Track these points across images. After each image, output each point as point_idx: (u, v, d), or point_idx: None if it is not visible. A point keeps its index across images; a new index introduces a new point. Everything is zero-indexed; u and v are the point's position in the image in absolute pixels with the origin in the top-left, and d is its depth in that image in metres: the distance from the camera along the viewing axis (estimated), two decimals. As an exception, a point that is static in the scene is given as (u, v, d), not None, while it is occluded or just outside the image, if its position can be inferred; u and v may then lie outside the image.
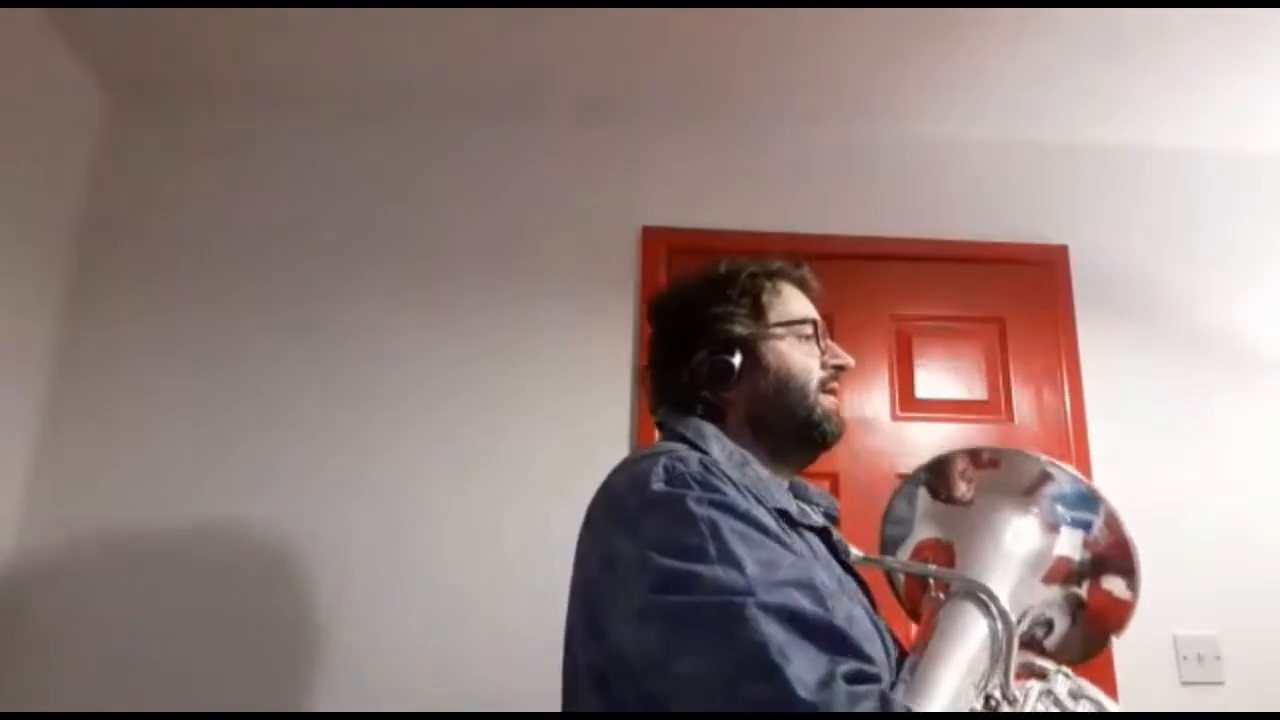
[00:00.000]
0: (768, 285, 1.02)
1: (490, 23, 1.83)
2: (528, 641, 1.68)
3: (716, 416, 0.98)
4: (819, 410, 0.98)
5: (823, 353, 1.02)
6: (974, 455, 1.00)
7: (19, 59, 1.78)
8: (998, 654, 0.77)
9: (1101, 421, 2.00)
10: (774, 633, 0.67)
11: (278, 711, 1.73)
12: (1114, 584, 0.92)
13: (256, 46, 1.93)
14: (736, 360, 0.97)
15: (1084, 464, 1.97)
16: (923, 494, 1.01)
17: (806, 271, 1.07)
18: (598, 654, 0.80)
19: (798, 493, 1.05)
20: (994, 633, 0.78)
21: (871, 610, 0.89)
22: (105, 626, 1.77)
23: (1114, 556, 0.92)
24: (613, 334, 2.00)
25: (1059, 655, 0.89)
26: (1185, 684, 1.83)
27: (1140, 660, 1.80)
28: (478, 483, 1.90)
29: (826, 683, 0.65)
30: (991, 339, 2.07)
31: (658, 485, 0.80)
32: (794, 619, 0.69)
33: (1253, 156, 2.20)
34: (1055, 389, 2.03)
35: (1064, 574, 0.91)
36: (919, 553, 0.97)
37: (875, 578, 0.98)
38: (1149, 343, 2.07)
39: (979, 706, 0.74)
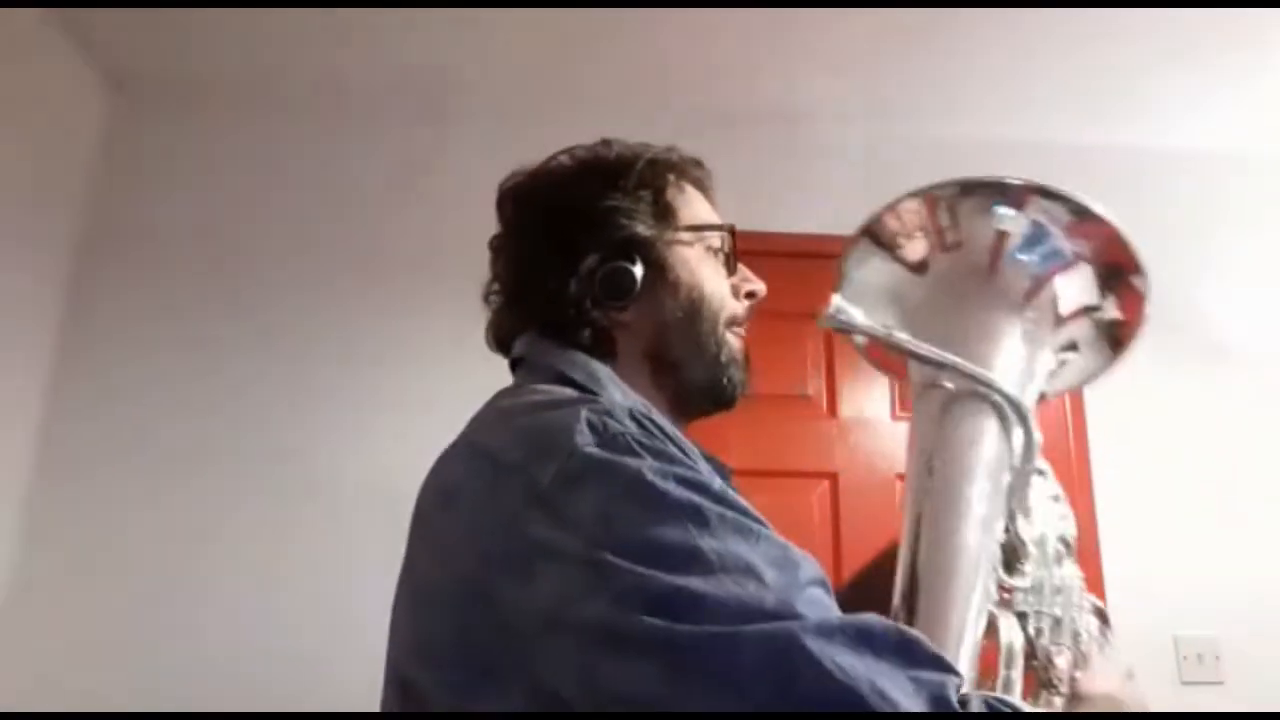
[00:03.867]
0: (672, 179, 0.79)
1: (492, 22, 1.83)
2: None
3: (602, 348, 0.73)
4: (727, 350, 0.76)
5: (731, 274, 0.79)
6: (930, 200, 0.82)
7: (21, 57, 1.78)
8: (1019, 476, 0.70)
9: (1101, 421, 2.00)
10: (854, 666, 0.47)
11: (282, 712, 1.72)
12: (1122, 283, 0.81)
13: (258, 46, 1.94)
14: (639, 271, 0.73)
15: (1083, 464, 1.97)
16: (878, 260, 0.82)
17: (707, 173, 0.84)
18: (491, 695, 0.54)
19: None
20: (1011, 448, 0.69)
21: None
22: (104, 623, 1.77)
23: (1109, 252, 0.80)
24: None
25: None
26: (1185, 684, 1.83)
27: (1140, 660, 1.79)
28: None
29: (942, 709, 0.48)
30: (991, 339, 2.07)
31: (589, 448, 0.55)
32: (864, 638, 0.49)
33: (1254, 156, 2.20)
34: (1055, 389, 2.03)
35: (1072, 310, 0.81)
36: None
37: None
38: (1149, 342, 2.07)
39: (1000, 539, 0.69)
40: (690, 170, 0.81)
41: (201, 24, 1.85)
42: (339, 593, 1.81)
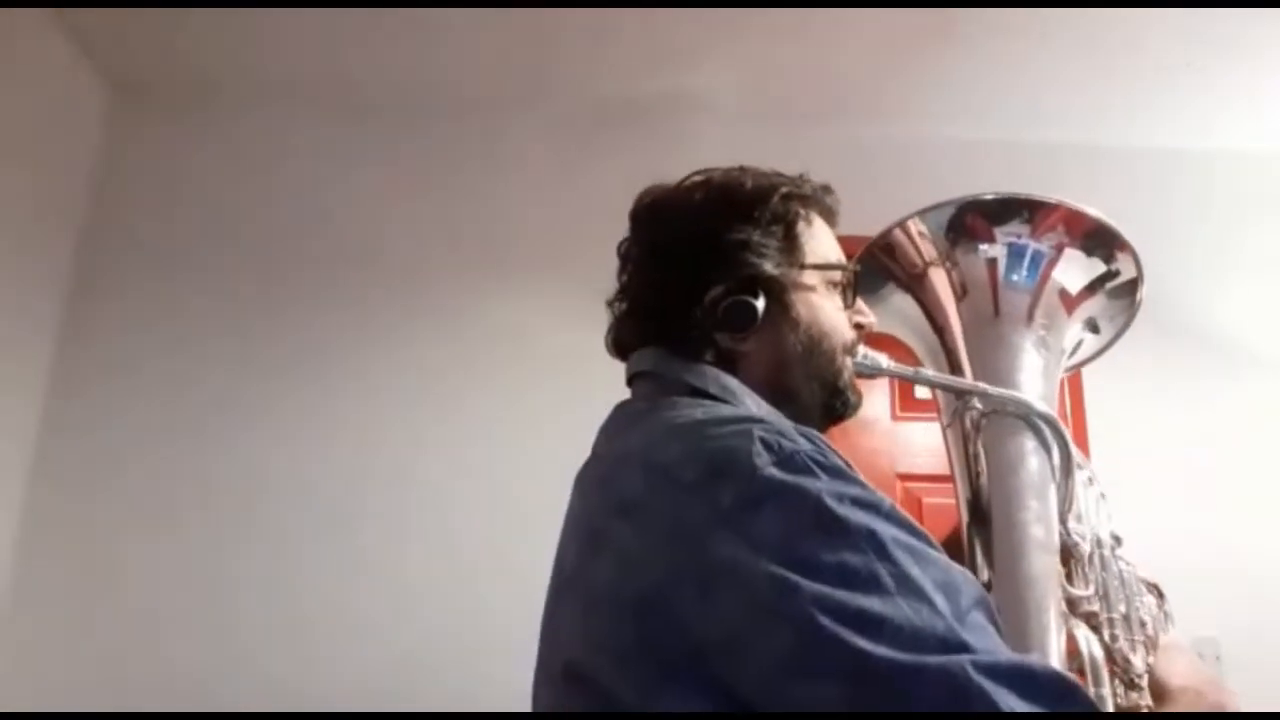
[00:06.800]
0: (802, 213, 0.82)
1: (492, 22, 1.83)
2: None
3: (726, 367, 0.77)
4: (843, 379, 0.80)
5: (849, 307, 0.83)
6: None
7: (22, 57, 1.78)
8: (1061, 486, 0.75)
9: (1101, 422, 2.00)
10: (1016, 706, 0.51)
11: (282, 712, 1.73)
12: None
13: (258, 46, 1.94)
14: (760, 304, 0.76)
15: (1084, 464, 1.97)
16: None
17: (836, 199, 0.87)
18: (672, 695, 0.57)
19: None
20: (1050, 462, 0.75)
21: None
22: (102, 629, 1.77)
23: (1087, 234, 0.88)
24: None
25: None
26: (1185, 684, 1.83)
27: (1140, 660, 1.79)
28: (478, 485, 1.90)
29: None
30: (991, 339, 2.07)
31: (769, 470, 0.58)
32: (1030, 683, 0.52)
33: (1253, 155, 2.20)
34: (1055, 389, 2.03)
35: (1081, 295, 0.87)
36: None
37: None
38: (1148, 342, 2.06)
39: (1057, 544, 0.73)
40: (821, 200, 0.85)
41: (202, 25, 1.85)
42: (330, 606, 1.82)
